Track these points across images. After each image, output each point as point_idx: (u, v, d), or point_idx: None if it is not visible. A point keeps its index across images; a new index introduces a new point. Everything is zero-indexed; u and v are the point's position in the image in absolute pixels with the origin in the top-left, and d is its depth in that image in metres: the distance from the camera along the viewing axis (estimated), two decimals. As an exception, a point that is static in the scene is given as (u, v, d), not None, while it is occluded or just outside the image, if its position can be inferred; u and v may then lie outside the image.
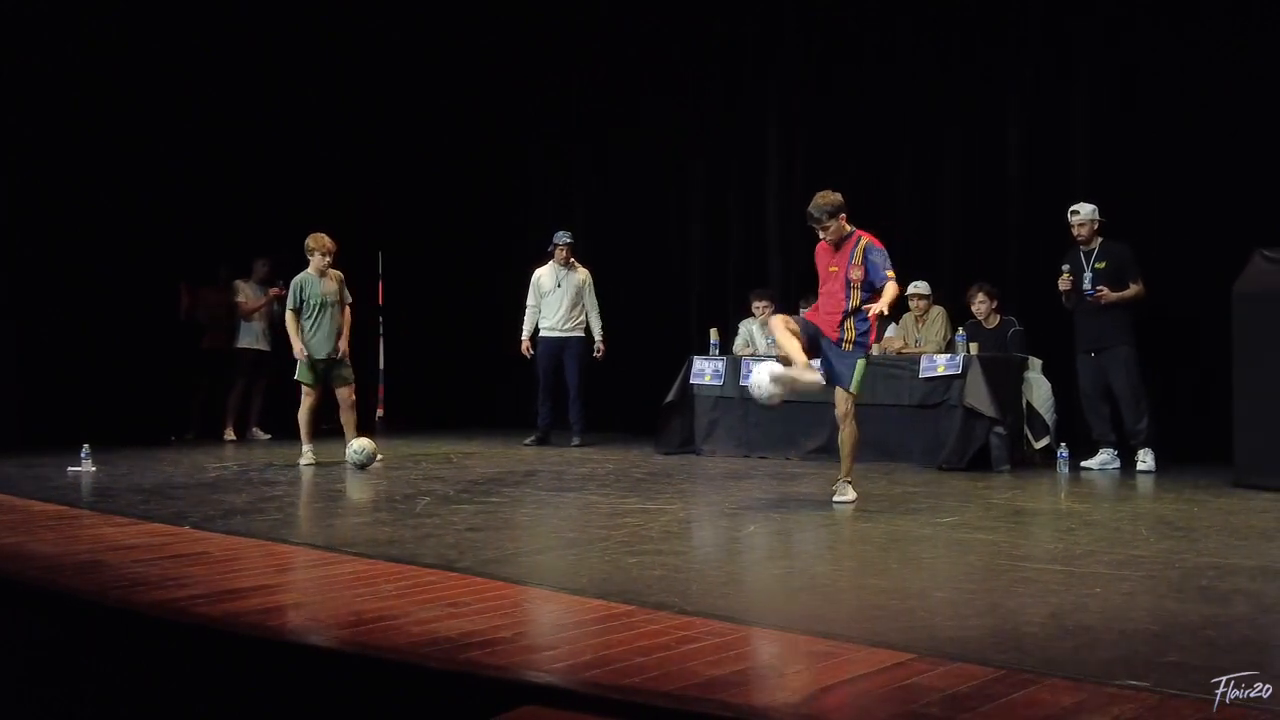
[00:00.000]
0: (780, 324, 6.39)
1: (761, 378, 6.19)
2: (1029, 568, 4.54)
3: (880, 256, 6.45)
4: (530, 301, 10.59)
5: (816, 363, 6.43)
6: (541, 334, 10.56)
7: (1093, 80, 9.16)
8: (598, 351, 10.49)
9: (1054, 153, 9.35)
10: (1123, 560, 4.69)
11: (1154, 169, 8.72)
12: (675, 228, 11.72)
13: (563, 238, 10.52)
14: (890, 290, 6.38)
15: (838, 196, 6.51)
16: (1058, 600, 3.94)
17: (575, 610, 3.98)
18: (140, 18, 10.89)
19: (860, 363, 6.45)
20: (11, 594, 4.34)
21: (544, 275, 10.59)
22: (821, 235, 6.58)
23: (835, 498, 6.54)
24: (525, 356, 10.60)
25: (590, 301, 10.58)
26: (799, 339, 6.29)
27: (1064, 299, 8.30)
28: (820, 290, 6.70)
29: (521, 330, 10.59)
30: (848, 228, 6.54)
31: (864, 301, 6.43)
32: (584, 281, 10.57)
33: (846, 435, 6.55)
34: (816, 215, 6.48)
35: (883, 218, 10.12)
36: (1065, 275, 8.21)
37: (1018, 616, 3.71)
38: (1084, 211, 8.20)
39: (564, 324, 10.49)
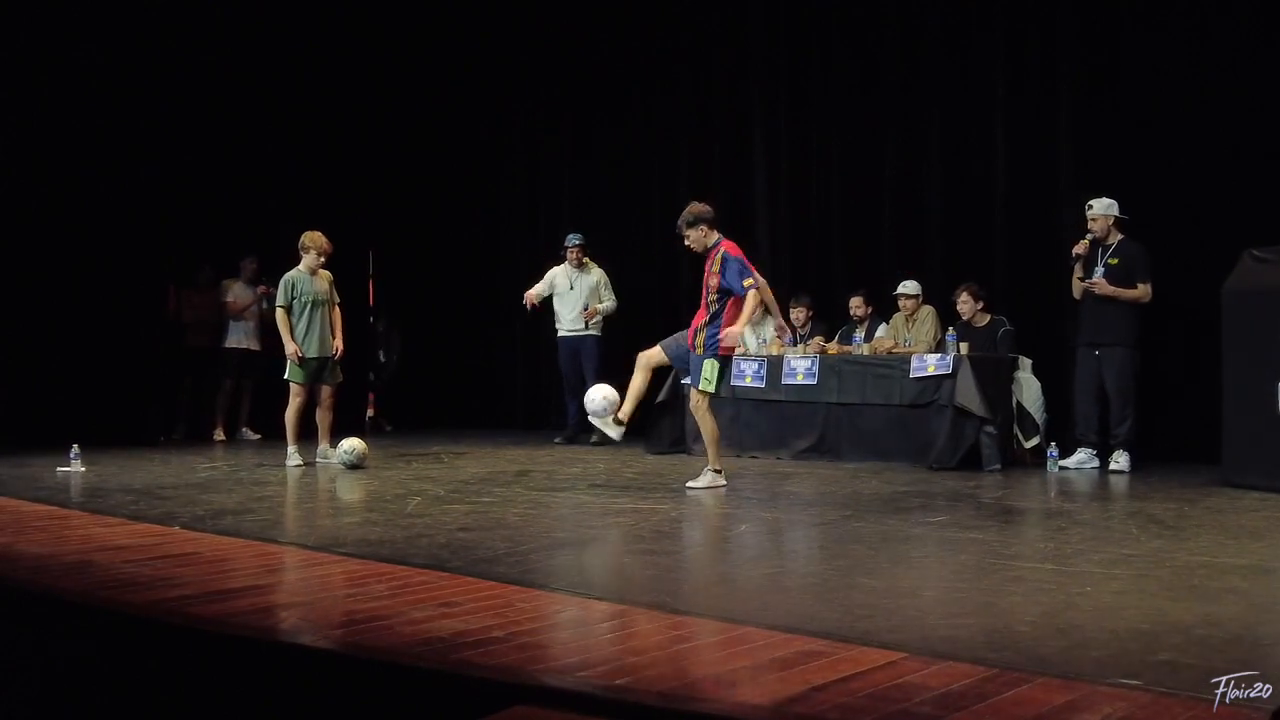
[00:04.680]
0: (643, 361, 7.34)
1: (595, 400, 7.26)
2: (1020, 567, 4.55)
3: (736, 265, 6.92)
4: (540, 287, 10.67)
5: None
6: (559, 335, 10.72)
7: (1081, 79, 9.17)
8: (586, 309, 10.56)
9: (1041, 152, 9.36)
10: (1113, 559, 4.70)
11: (1141, 168, 8.72)
12: (664, 227, 11.71)
13: (573, 239, 10.64)
14: (749, 301, 6.87)
15: (702, 208, 7.14)
16: (1049, 599, 3.94)
17: (567, 610, 3.98)
18: (128, 20, 10.85)
19: (708, 363, 7.00)
20: (0, 595, 4.32)
21: (559, 275, 10.73)
22: (686, 243, 7.16)
23: (689, 483, 7.12)
24: (528, 307, 10.63)
25: (606, 295, 10.71)
26: (649, 373, 7.33)
27: (1072, 262, 8.19)
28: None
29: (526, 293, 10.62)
30: (714, 237, 7.08)
31: (721, 308, 6.99)
32: (598, 282, 10.72)
33: (703, 429, 7.21)
34: (679, 225, 7.11)
35: (871, 216, 10.23)
36: (1085, 242, 8.14)
37: (1009, 615, 3.71)
38: (1097, 206, 8.14)
39: (579, 323, 10.60)
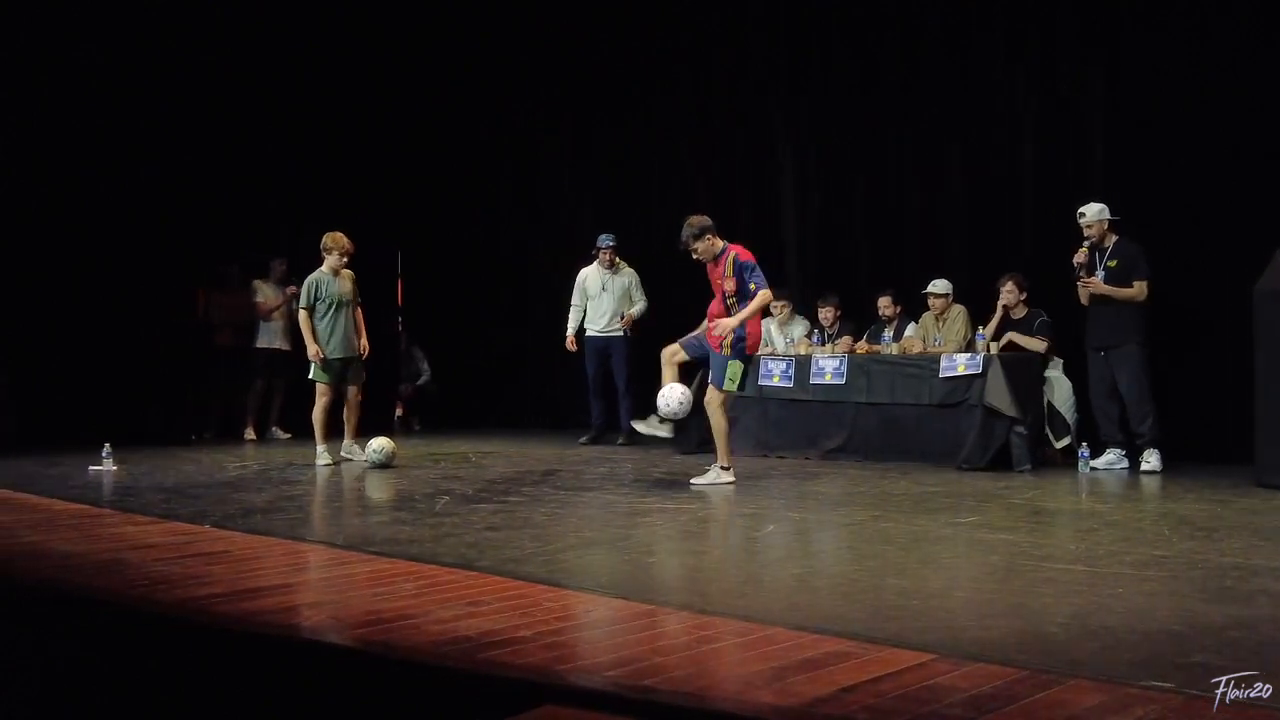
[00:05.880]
0: (667, 357, 7.45)
1: (673, 402, 7.24)
2: (1051, 568, 4.52)
3: (748, 269, 7.13)
4: (575, 300, 10.69)
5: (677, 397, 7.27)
6: (588, 334, 10.66)
7: (1108, 76, 9.09)
8: (623, 318, 10.54)
9: (1070, 150, 9.30)
10: (1145, 560, 4.66)
11: (1170, 165, 8.65)
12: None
13: (606, 240, 10.60)
14: (757, 300, 7.08)
15: (703, 219, 7.24)
16: (1080, 600, 3.91)
17: (595, 610, 3.97)
18: (154, 23, 10.95)
19: (732, 364, 7.15)
20: (32, 592, 4.35)
21: (589, 276, 10.67)
22: (694, 257, 7.28)
23: (694, 479, 7.31)
24: (570, 351, 10.72)
25: (638, 296, 10.67)
26: (676, 368, 7.41)
27: (1076, 274, 8.18)
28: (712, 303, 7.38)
29: (566, 328, 10.69)
30: (719, 244, 7.23)
31: (742, 310, 7.12)
32: (630, 283, 10.67)
33: (714, 425, 7.30)
34: (684, 239, 7.21)
35: (898, 214, 10.17)
36: (1083, 249, 8.17)
37: (1040, 617, 3.68)
38: (1090, 212, 8.16)
39: (609, 324, 10.57)
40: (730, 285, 7.15)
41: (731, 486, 7.18)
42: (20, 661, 4.03)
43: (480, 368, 13.10)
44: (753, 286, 7.11)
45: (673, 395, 7.26)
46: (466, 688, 3.08)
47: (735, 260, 7.16)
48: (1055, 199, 9.21)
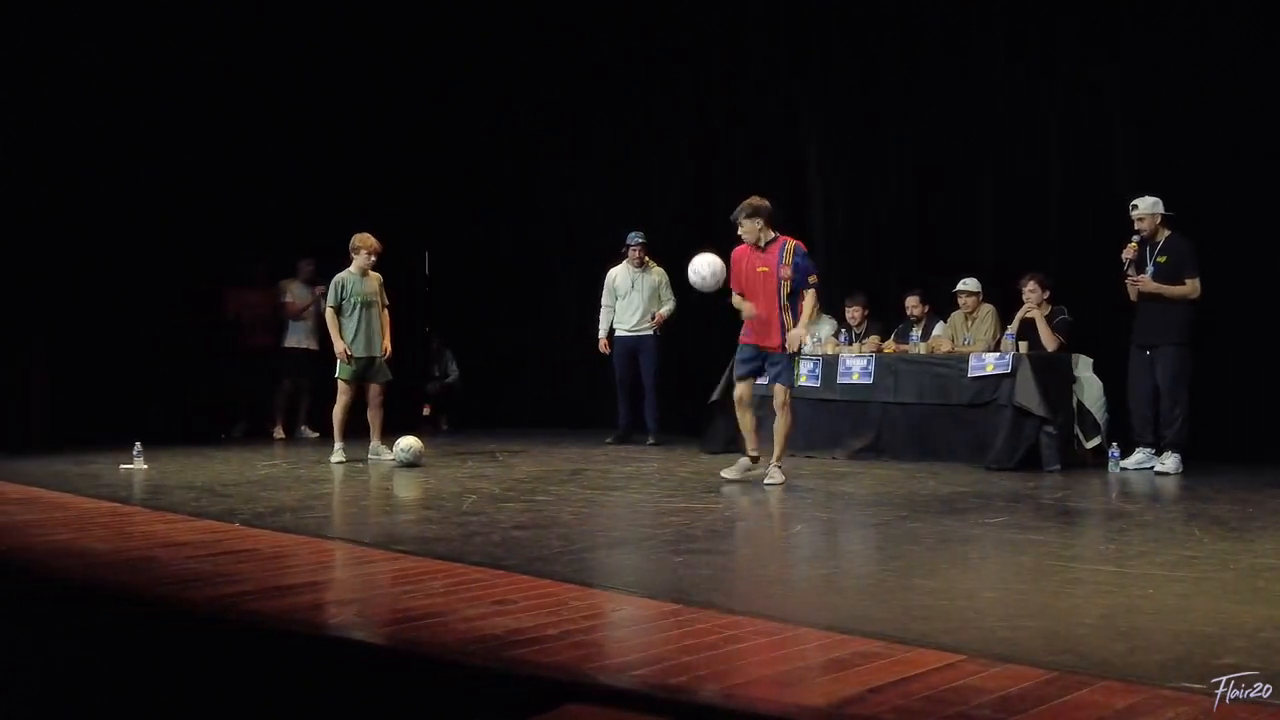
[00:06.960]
0: (741, 400, 7.43)
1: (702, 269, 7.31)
2: (1080, 568, 4.49)
3: (806, 261, 7.29)
4: (605, 301, 10.64)
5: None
6: (617, 334, 10.61)
7: (1138, 72, 9.02)
8: (653, 317, 10.51)
9: (1099, 147, 9.24)
10: (1176, 561, 4.62)
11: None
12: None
13: (635, 238, 10.53)
14: (810, 300, 7.27)
15: (763, 201, 7.31)
16: (1110, 601, 3.89)
17: (621, 609, 3.98)
18: (183, 23, 11.03)
19: (796, 361, 7.52)
20: (63, 590, 4.39)
21: (619, 275, 10.62)
22: (740, 233, 7.32)
23: (766, 481, 7.24)
24: (604, 354, 10.68)
25: (666, 295, 10.60)
26: (751, 411, 7.46)
27: (1125, 269, 8.04)
28: (747, 295, 7.36)
29: (598, 329, 10.66)
30: (771, 232, 7.31)
31: (794, 303, 7.27)
32: (660, 281, 10.60)
33: (781, 423, 7.31)
34: (743, 215, 7.26)
35: (926, 214, 10.12)
36: (1133, 245, 8.01)
37: (1069, 618, 3.66)
38: (1142, 205, 7.98)
39: (639, 323, 10.52)
40: (786, 272, 7.22)
41: (780, 487, 7.22)
42: (52, 660, 4.06)
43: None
44: (813, 279, 7.28)
45: (711, 268, 7.28)
46: (493, 686, 3.08)
47: (797, 250, 7.27)
48: (1078, 199, 9.16)
